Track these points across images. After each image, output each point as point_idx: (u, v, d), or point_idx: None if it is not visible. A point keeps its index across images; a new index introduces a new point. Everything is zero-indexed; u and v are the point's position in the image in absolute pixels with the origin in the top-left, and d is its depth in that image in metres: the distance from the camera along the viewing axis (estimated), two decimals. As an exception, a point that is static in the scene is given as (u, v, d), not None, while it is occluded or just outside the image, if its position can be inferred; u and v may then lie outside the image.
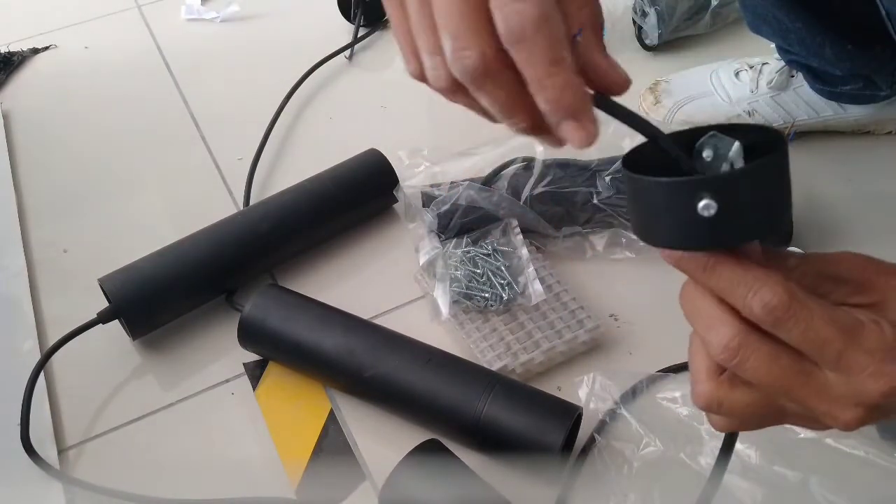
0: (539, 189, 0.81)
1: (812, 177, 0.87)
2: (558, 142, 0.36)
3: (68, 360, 0.77)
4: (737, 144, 0.35)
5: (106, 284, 0.76)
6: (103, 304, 0.77)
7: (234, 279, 0.82)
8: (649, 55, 1.08)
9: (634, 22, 1.08)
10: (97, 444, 0.72)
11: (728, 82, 0.93)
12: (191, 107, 1.09)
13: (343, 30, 1.18)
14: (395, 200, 0.88)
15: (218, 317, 0.81)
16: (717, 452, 0.45)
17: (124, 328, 0.77)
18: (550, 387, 0.71)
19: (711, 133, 0.36)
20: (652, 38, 1.06)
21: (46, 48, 1.23)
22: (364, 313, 0.75)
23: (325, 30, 1.19)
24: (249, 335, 0.74)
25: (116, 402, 0.75)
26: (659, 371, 0.70)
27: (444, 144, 0.89)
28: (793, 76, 0.90)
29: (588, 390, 0.69)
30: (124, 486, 0.67)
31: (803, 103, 0.90)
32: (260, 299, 0.73)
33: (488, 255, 0.78)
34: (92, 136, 1.06)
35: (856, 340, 0.35)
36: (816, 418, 0.37)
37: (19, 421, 0.70)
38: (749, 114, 0.91)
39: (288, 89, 1.06)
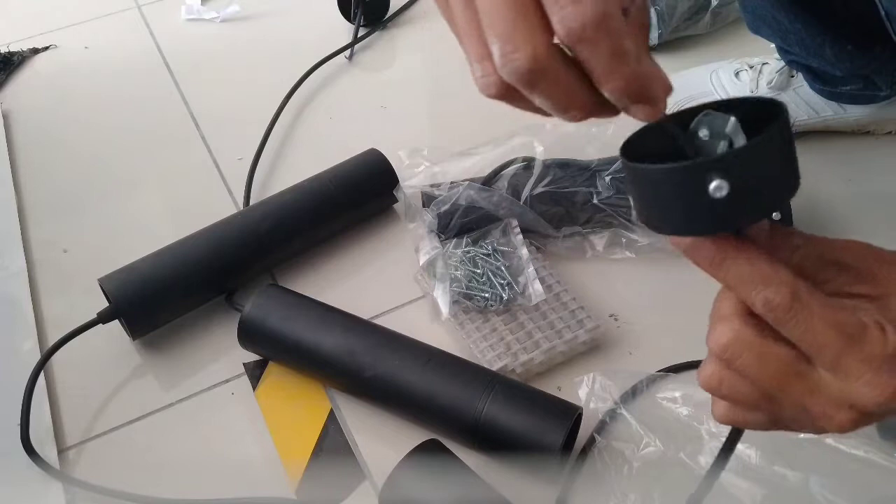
0: (539, 189, 0.81)
1: (812, 177, 0.87)
2: (614, 114, 0.36)
3: (68, 360, 0.77)
4: (732, 120, 0.34)
5: (106, 284, 0.76)
6: (103, 304, 0.77)
7: (234, 279, 0.82)
8: (649, 55, 1.08)
9: (634, 22, 1.08)
10: (97, 444, 0.72)
11: (728, 82, 0.93)
12: (191, 107, 1.09)
13: (343, 30, 1.18)
14: (395, 200, 0.88)
15: (218, 317, 0.81)
16: (717, 452, 0.44)
17: (124, 328, 0.77)
18: (550, 387, 0.71)
19: (705, 112, 0.36)
20: (652, 38, 1.06)
21: (46, 48, 1.23)
22: (364, 313, 0.75)
23: (325, 30, 1.19)
24: (249, 335, 0.74)
25: (116, 402, 0.75)
26: (659, 371, 0.70)
27: (444, 144, 0.89)
28: (793, 76, 0.90)
29: (588, 390, 0.69)
30: (124, 486, 0.67)
31: (803, 103, 0.90)
32: (260, 299, 0.73)
33: (488, 255, 0.78)
34: (92, 136, 1.06)
35: (855, 346, 0.35)
36: (811, 420, 0.37)
37: (19, 421, 0.70)
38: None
39: (288, 89, 1.06)
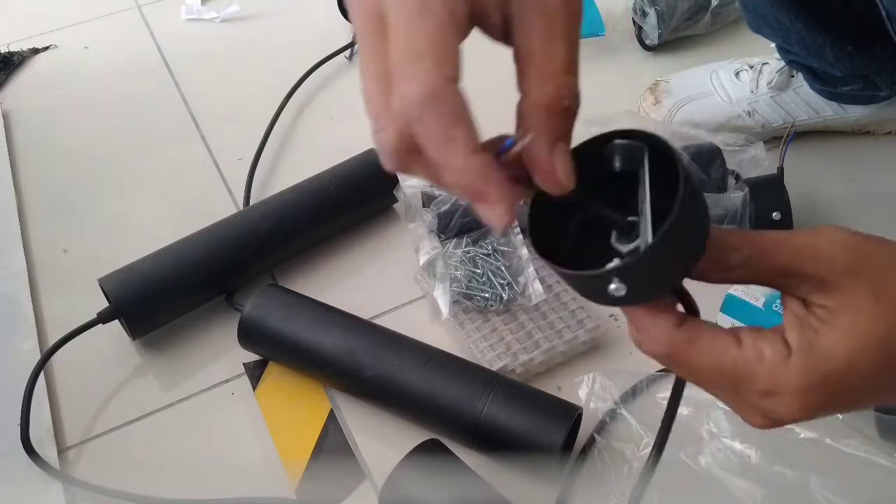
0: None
1: (812, 177, 0.87)
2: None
3: (68, 360, 0.77)
4: (643, 150, 0.34)
5: (106, 284, 0.76)
6: (103, 304, 0.77)
7: (234, 279, 0.82)
8: (649, 55, 1.08)
9: (634, 22, 1.08)
10: (97, 444, 0.72)
11: (728, 82, 0.93)
12: (191, 107, 1.09)
13: (343, 30, 1.18)
14: (395, 200, 0.88)
15: (218, 317, 0.81)
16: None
17: (124, 328, 0.77)
18: (550, 387, 0.71)
19: (616, 142, 0.35)
20: (652, 38, 1.06)
21: (46, 48, 1.23)
22: (364, 313, 0.75)
23: (325, 30, 1.19)
24: (249, 335, 0.74)
25: (116, 402, 0.75)
26: (659, 371, 0.70)
27: (444, 144, 0.89)
28: (793, 76, 0.90)
29: (588, 390, 0.69)
30: (124, 486, 0.67)
31: (803, 103, 0.90)
32: (260, 299, 0.73)
33: (488, 255, 0.78)
34: (92, 136, 1.06)
35: (740, 386, 0.35)
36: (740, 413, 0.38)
37: (19, 421, 0.70)
38: (749, 114, 0.91)
39: (288, 89, 1.06)
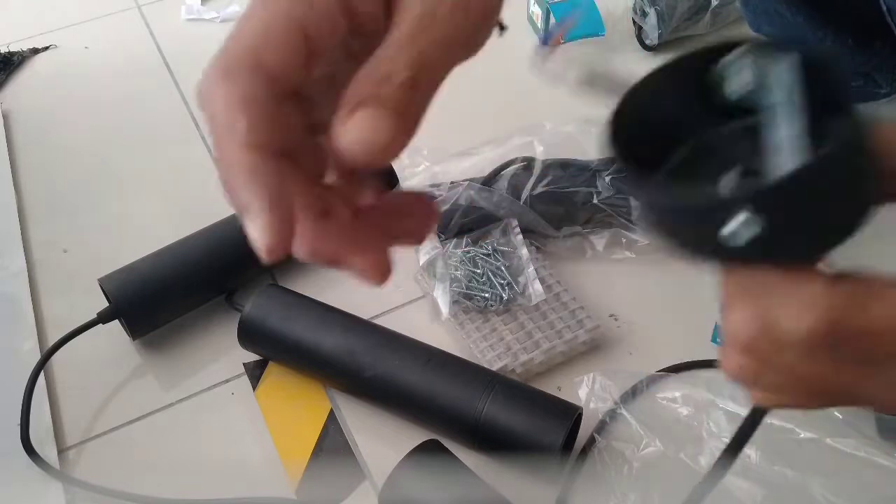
0: (539, 189, 0.81)
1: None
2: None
3: (68, 360, 0.77)
4: (792, 62, 0.24)
5: (106, 284, 0.76)
6: (103, 304, 0.77)
7: (234, 279, 0.82)
8: (649, 55, 1.08)
9: (634, 22, 1.08)
10: (97, 444, 0.72)
11: (728, 82, 0.93)
12: (191, 107, 1.09)
13: (343, 30, 1.18)
14: (395, 200, 0.88)
15: (218, 317, 0.81)
16: (716, 453, 0.44)
17: (124, 328, 0.77)
18: (550, 387, 0.71)
19: (745, 47, 0.25)
20: (652, 38, 1.06)
21: (46, 48, 1.23)
22: (364, 313, 0.75)
23: (325, 30, 1.19)
24: (249, 335, 0.74)
25: (116, 402, 0.75)
26: (659, 371, 0.70)
27: (444, 144, 0.89)
28: (793, 76, 0.90)
29: (588, 390, 0.69)
30: (124, 486, 0.67)
31: (803, 103, 0.90)
32: (260, 299, 0.73)
33: (488, 255, 0.78)
34: (92, 136, 1.06)
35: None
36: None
37: (19, 421, 0.70)
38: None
39: (288, 89, 1.06)
